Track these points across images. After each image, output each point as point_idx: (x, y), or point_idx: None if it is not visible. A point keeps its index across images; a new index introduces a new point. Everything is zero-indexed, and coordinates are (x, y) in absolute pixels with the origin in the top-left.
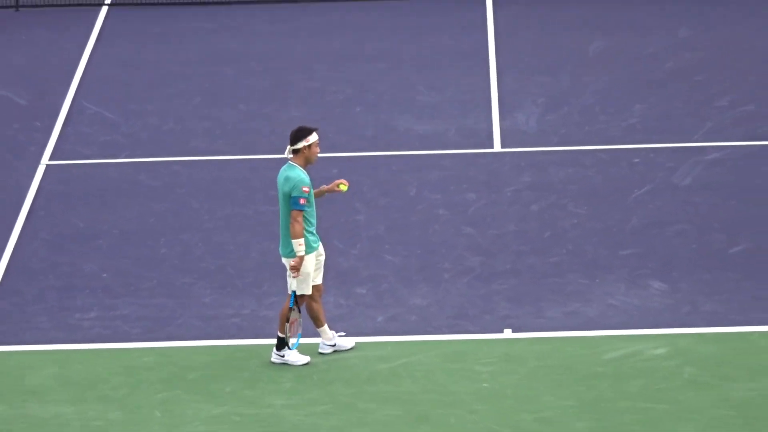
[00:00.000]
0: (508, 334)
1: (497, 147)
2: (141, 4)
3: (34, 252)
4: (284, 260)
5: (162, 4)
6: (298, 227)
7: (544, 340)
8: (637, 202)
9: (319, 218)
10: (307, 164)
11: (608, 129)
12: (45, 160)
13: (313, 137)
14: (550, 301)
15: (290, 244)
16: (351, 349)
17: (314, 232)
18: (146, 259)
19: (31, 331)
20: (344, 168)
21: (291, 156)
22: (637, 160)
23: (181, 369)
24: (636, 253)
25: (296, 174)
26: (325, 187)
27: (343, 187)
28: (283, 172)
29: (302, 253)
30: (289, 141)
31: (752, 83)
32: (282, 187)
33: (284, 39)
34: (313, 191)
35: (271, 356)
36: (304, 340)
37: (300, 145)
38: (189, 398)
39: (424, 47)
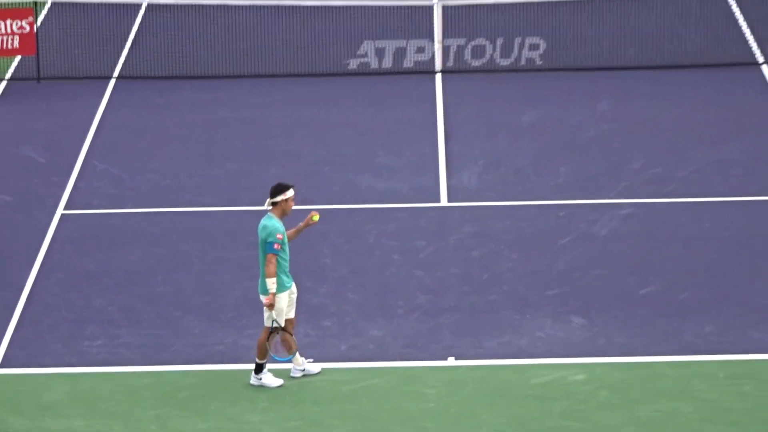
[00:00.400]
0: (451, 361)
1: (444, 202)
2: (144, 77)
3: (50, 288)
4: (261, 297)
5: (162, 77)
6: (271, 268)
7: (482, 367)
8: (561, 249)
9: (292, 261)
10: (283, 215)
11: (538, 187)
12: (60, 209)
13: (290, 192)
14: (487, 334)
15: (266, 283)
16: (318, 373)
17: (288, 273)
18: (145, 296)
19: (47, 356)
20: None
21: (270, 208)
22: (562, 213)
23: (173, 389)
24: (560, 292)
25: (272, 224)
26: (301, 224)
27: (316, 218)
28: (262, 221)
29: (274, 290)
30: (269, 194)
31: (660, 149)
32: (260, 234)
33: (266, 108)
34: (287, 239)
35: (250, 379)
36: (278, 366)
37: (278, 198)
38: (180, 414)
39: (383, 117)
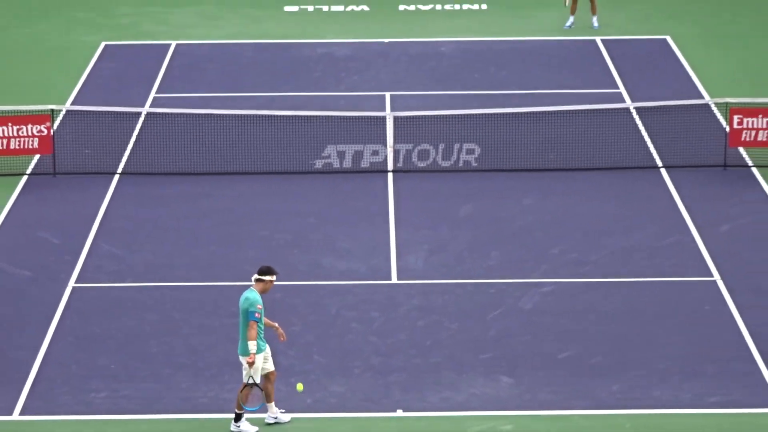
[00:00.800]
0: (400, 413)
1: (394, 279)
2: (142, 173)
3: (62, 349)
4: (240, 357)
5: (158, 173)
6: (252, 333)
7: (425, 418)
8: (493, 320)
9: (267, 330)
10: (263, 292)
11: (473, 268)
12: (71, 283)
13: (274, 278)
14: (430, 390)
15: (245, 345)
16: (288, 422)
17: (263, 338)
18: (142, 356)
19: (59, 406)
20: (286, 293)
21: (254, 283)
22: (493, 290)
23: None
24: (492, 356)
25: (254, 296)
26: (275, 325)
27: (299, 387)
28: (245, 294)
29: (254, 351)
30: (257, 272)
31: (575, 238)
32: (242, 304)
33: (244, 200)
34: (263, 311)
35: (230, 426)
36: (255, 415)
37: (265, 278)
38: None
39: (343, 208)
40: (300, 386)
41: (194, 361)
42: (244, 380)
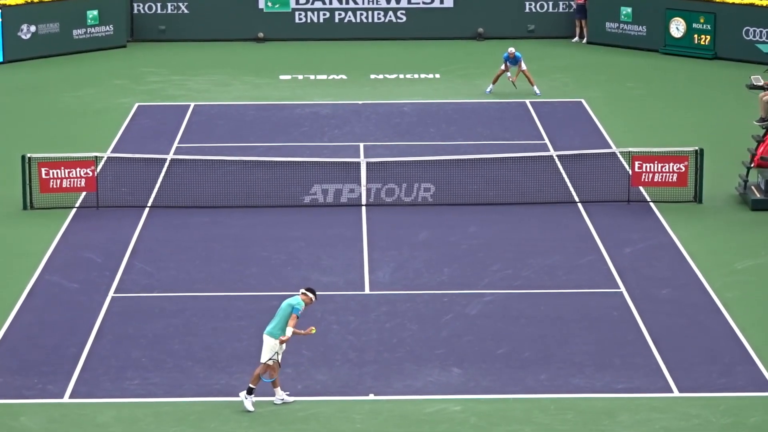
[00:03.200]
0: (371, 397)
1: (367, 291)
2: (167, 206)
3: (103, 346)
4: (268, 338)
5: (179, 207)
6: (292, 322)
7: (392, 401)
8: (445, 323)
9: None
10: (306, 305)
11: (429, 282)
12: (111, 293)
13: (314, 297)
14: (395, 378)
15: (278, 329)
16: (292, 402)
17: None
18: (167, 351)
19: (100, 391)
20: (281, 301)
21: (301, 295)
22: (446, 299)
23: (186, 413)
24: (444, 352)
25: (299, 301)
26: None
27: (313, 330)
28: (295, 298)
29: (290, 334)
30: (306, 289)
31: (510, 258)
32: (290, 301)
33: (247, 228)
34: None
35: (241, 396)
36: (262, 398)
37: (310, 295)
38: (191, 430)
39: (326, 234)
40: (313, 329)
41: (209, 355)
42: (269, 357)
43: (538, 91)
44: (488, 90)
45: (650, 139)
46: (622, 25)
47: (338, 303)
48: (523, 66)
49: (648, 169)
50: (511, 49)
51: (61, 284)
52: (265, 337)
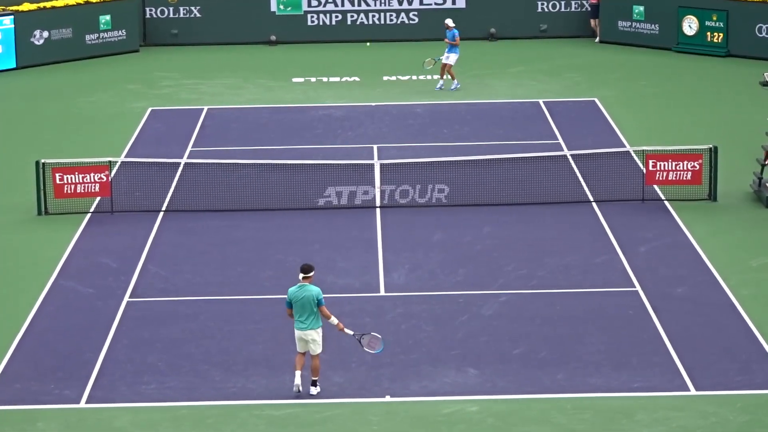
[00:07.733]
0: (388, 398)
1: (382, 292)
2: (182, 210)
3: (119, 350)
4: (310, 332)
5: (194, 210)
6: (327, 312)
7: (408, 402)
8: (460, 324)
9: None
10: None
11: (444, 283)
12: (126, 298)
13: (314, 270)
14: (412, 379)
15: (317, 321)
16: (317, 392)
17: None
18: (183, 355)
19: (117, 395)
20: None
21: (303, 279)
22: (461, 300)
23: (203, 417)
24: (460, 352)
25: (317, 291)
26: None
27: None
28: (307, 286)
29: (337, 320)
30: (302, 271)
31: (525, 258)
32: (312, 294)
33: (262, 231)
34: None
35: (311, 391)
36: (278, 402)
37: (311, 273)
38: None
39: (341, 236)
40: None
41: (225, 359)
42: (350, 333)
43: (442, 85)
44: (448, 86)
45: (664, 137)
46: (634, 24)
47: (354, 305)
48: (452, 59)
49: (662, 168)
50: (447, 21)
51: (77, 289)
52: (307, 332)
